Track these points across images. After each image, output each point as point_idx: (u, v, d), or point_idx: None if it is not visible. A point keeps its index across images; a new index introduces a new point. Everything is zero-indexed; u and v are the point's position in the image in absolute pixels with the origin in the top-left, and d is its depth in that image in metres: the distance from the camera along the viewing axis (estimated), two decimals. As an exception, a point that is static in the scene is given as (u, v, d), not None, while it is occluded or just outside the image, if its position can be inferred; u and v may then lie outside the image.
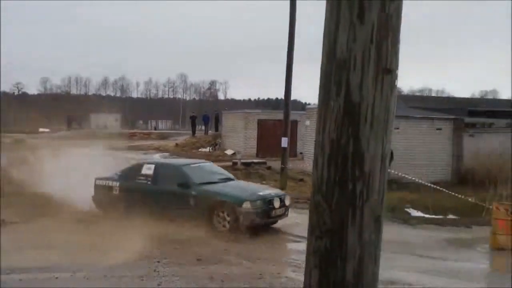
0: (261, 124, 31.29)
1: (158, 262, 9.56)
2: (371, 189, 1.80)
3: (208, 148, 34.97)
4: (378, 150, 1.80)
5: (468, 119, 24.78)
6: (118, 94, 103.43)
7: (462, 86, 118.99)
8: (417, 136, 22.76)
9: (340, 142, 1.79)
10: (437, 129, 23.06)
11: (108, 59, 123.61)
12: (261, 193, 13.91)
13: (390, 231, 14.56)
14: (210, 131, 42.39)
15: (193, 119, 43.98)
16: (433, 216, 17.82)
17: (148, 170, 14.32)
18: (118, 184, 14.39)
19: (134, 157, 24.49)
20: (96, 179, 14.82)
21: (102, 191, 14.55)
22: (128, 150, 29.53)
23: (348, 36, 1.79)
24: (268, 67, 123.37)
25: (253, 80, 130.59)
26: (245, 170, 23.49)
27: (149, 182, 14.11)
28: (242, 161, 26.24)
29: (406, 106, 29.17)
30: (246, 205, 13.11)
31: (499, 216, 13.43)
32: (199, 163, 15.61)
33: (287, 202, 14.00)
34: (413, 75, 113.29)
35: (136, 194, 13.91)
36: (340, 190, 1.79)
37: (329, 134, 1.81)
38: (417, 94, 60.39)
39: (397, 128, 22.37)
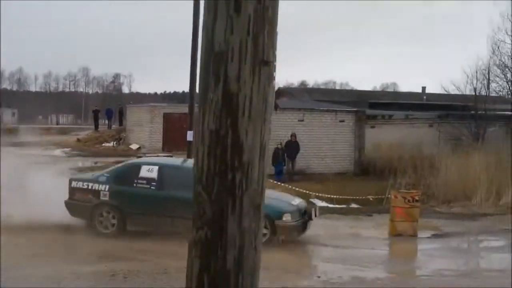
0: (166, 117, 31.03)
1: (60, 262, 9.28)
2: (250, 179, 1.84)
3: (112, 142, 34.37)
4: (257, 141, 1.84)
5: (369, 111, 25.68)
6: (15, 88, 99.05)
7: (365, 79, 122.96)
8: (321, 128, 23.36)
9: (219, 133, 1.82)
10: (340, 121, 23.75)
11: (3, 50, 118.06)
12: (294, 203, 12.74)
13: (295, 222, 14.88)
14: (114, 126, 41.66)
15: (95, 113, 43.05)
16: (337, 206, 18.36)
17: (149, 172, 12.28)
18: (107, 187, 12.27)
19: (31, 153, 23.67)
20: (73, 180, 12.73)
21: (82, 195, 12.32)
22: (25, 147, 28.38)
23: (225, 29, 1.82)
24: (174, 60, 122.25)
25: (159, 73, 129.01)
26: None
27: (152, 187, 12.17)
28: (147, 155, 25.92)
29: (311, 98, 29.87)
30: (287, 218, 11.93)
31: (397, 204, 14.07)
32: None
33: (317, 213, 13.08)
34: (318, 68, 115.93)
35: (135, 201, 12.07)
36: (220, 180, 1.82)
37: (208, 126, 1.84)
38: (322, 87, 61.84)
39: (302, 121, 22.89)
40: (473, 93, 28.20)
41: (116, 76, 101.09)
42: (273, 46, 1.87)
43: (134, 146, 31.94)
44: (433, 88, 64.09)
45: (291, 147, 22.02)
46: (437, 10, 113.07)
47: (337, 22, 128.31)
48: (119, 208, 12.09)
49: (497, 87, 29.10)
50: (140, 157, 17.84)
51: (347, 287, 9.24)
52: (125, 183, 12.30)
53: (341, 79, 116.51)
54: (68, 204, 12.36)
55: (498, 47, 25.40)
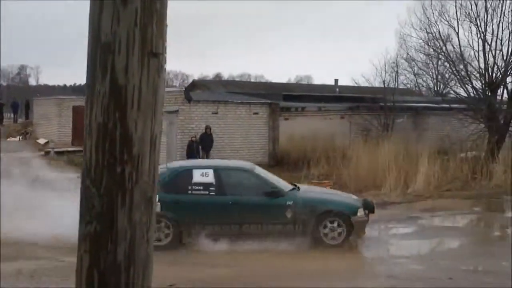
0: (76, 110, 30.10)
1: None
2: (140, 171, 1.83)
3: (18, 137, 33.17)
4: (147, 133, 1.83)
5: (283, 104, 25.99)
6: None
7: (280, 72, 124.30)
8: (235, 121, 23.48)
9: (108, 126, 1.79)
10: (254, 113, 23.94)
11: None
12: (355, 197, 12.90)
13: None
14: (20, 120, 40.28)
15: (-1, 107, 41.43)
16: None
17: (204, 177, 11.33)
18: (157, 197, 11.04)
19: None
20: None
21: None
22: None
23: (112, 20, 1.79)
24: (83, 51, 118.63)
25: (69, 65, 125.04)
26: (59, 159, 22.66)
27: (212, 193, 11.32)
28: (56, 150, 25.25)
29: (225, 91, 29.93)
30: (360, 213, 11.92)
31: (310, 194, 14.31)
32: (251, 164, 13.27)
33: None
34: (233, 61, 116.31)
35: (193, 210, 11.18)
36: (109, 173, 1.80)
37: (96, 118, 1.81)
38: (237, 79, 62.06)
39: (216, 113, 22.92)
40: (382, 86, 29.15)
41: (22, 68, 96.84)
42: (162, 38, 1.86)
43: (41, 141, 30.92)
44: (345, 81, 65.76)
45: (206, 140, 22.01)
46: (349, 4, 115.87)
47: (253, 16, 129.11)
48: (174, 219, 11.05)
49: (405, 79, 30.23)
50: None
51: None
52: (177, 191, 11.32)
53: (256, 71, 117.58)
54: None
55: (405, 41, 26.32)
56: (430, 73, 28.82)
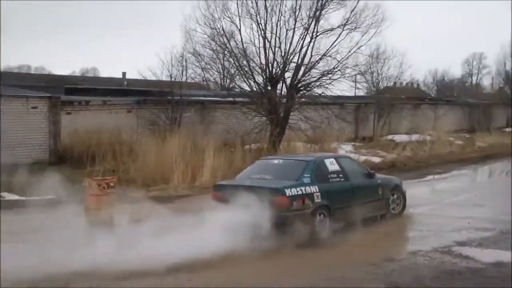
0: None
1: None
2: None
3: None
4: None
5: (65, 97, 24.68)
6: None
7: (63, 64, 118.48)
8: (11, 116, 21.69)
9: None
10: (33, 107, 22.36)
11: None
12: None
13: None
14: None
15: None
16: (32, 198, 17.23)
17: (333, 165, 12.65)
18: (317, 188, 11.70)
19: None
20: (285, 188, 11.26)
21: (300, 203, 11.29)
22: None
23: None
24: None
25: None
26: None
27: (342, 179, 12.60)
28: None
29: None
30: (403, 185, 14.29)
31: (92, 191, 13.76)
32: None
33: None
34: (12, 51, 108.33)
35: (337, 196, 12.15)
36: None
37: None
38: (15, 71, 57.89)
39: (-13, 108, 20.97)
40: (170, 79, 29.01)
41: None
42: None
43: None
44: (134, 74, 64.72)
45: (-26, 137, 20.03)
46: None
47: (36, 5, 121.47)
48: (329, 207, 11.84)
49: (193, 73, 30.36)
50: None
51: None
52: (323, 181, 12.14)
53: (37, 63, 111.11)
54: (286, 218, 10.96)
55: (191, 36, 26.39)
56: (217, 68, 29.34)
